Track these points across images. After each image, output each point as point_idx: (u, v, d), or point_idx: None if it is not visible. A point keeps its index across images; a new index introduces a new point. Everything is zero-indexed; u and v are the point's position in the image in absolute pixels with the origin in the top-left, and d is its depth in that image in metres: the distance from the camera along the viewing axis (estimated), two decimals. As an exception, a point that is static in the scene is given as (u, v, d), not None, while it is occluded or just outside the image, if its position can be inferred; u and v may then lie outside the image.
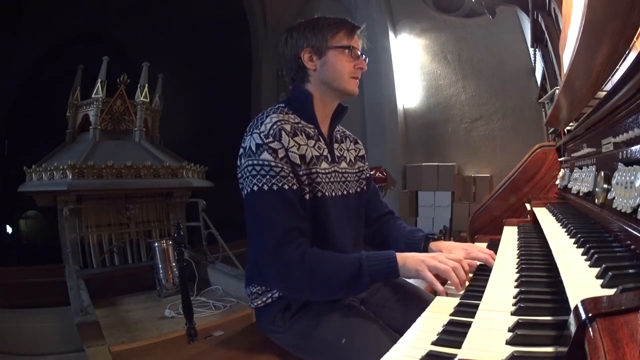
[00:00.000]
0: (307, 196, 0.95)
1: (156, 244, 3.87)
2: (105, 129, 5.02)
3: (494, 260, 0.95)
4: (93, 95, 4.96)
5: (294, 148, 0.93)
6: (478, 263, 0.97)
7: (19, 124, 6.75)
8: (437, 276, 0.87)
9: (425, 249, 1.08)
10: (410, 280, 1.09)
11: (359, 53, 1.01)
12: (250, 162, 0.90)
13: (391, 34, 5.42)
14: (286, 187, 0.90)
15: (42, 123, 6.17)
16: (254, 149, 0.91)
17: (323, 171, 1.00)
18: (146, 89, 5.29)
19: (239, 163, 0.95)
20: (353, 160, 1.15)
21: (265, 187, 0.88)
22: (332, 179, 1.03)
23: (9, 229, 6.99)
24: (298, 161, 0.94)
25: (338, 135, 1.13)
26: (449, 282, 0.87)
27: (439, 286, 0.83)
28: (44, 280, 3.83)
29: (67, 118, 5.14)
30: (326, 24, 1.00)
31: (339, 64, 0.99)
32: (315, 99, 1.02)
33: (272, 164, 0.89)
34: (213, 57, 7.45)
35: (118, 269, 4.36)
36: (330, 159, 1.04)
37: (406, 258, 0.88)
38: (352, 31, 1.01)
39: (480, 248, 1.03)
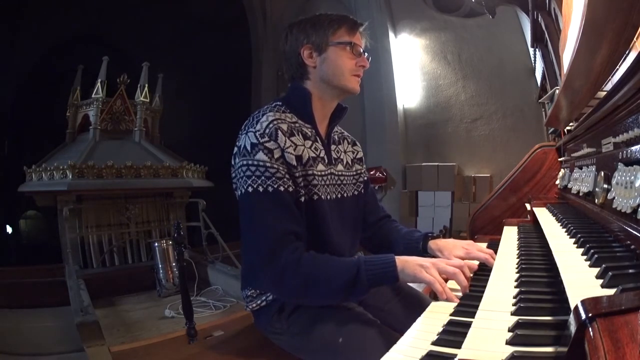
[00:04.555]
0: (303, 198, 0.93)
1: (156, 244, 3.87)
2: (105, 129, 5.02)
3: (494, 259, 0.94)
4: (93, 95, 4.95)
5: (290, 148, 0.90)
6: (477, 263, 0.95)
7: (19, 124, 6.75)
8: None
9: (425, 248, 1.05)
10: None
11: (361, 50, 0.98)
12: (244, 162, 0.88)
13: (391, 34, 5.42)
14: (282, 188, 0.87)
15: (42, 123, 6.17)
16: (249, 148, 0.88)
17: (319, 173, 0.97)
18: (146, 89, 5.28)
19: (233, 162, 0.92)
20: (350, 163, 1.11)
21: (260, 189, 0.86)
22: (328, 182, 1.00)
23: (9, 229, 6.99)
24: (294, 162, 0.91)
25: (336, 137, 1.10)
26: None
27: (438, 287, 0.79)
28: (44, 280, 3.83)
29: (67, 118, 5.14)
30: (327, 20, 0.97)
31: (340, 60, 0.96)
32: (314, 98, 0.99)
33: (268, 164, 0.87)
34: (213, 57, 7.45)
35: (118, 269, 4.35)
36: (326, 161, 1.01)
37: (405, 262, 0.84)
38: (354, 28, 0.98)
39: (480, 247, 1.01)
